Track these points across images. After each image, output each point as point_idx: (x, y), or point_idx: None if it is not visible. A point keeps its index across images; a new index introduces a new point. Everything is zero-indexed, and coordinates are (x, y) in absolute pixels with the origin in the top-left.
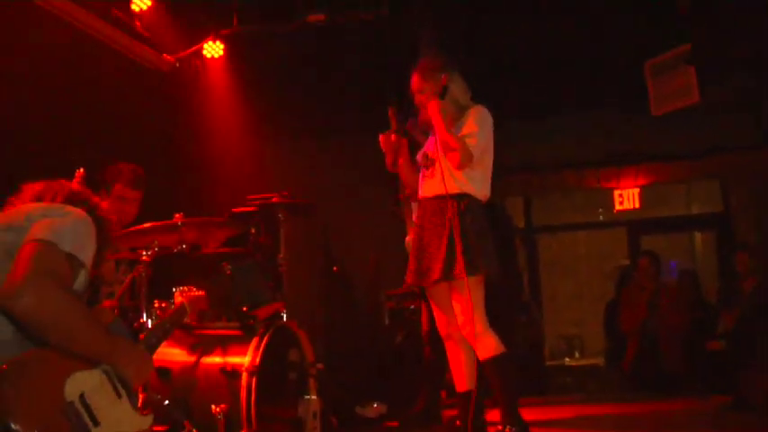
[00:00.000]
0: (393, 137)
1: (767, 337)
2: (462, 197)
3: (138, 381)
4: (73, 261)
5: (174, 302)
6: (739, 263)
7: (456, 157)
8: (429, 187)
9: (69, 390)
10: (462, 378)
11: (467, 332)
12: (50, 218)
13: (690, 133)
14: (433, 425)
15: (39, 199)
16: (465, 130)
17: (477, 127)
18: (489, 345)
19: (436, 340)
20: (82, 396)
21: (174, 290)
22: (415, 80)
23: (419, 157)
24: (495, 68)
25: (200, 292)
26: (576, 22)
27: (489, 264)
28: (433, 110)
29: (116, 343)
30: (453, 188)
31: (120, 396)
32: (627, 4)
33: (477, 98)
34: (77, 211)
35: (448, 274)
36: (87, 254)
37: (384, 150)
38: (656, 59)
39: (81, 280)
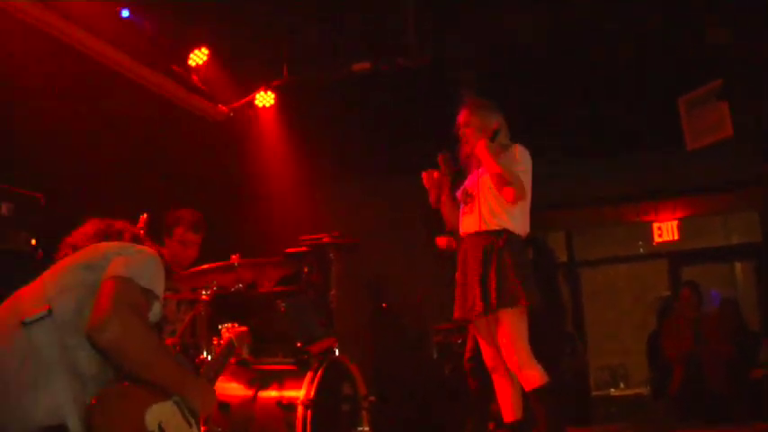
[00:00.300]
0: (435, 174)
1: None
2: (501, 233)
3: (205, 411)
4: (148, 295)
5: (222, 339)
6: None
7: (511, 192)
8: (469, 223)
9: (149, 419)
10: (509, 409)
11: (511, 364)
12: (125, 255)
13: (725, 166)
14: None
15: (104, 236)
16: (516, 168)
17: (523, 163)
18: (534, 376)
19: (479, 371)
20: (160, 425)
21: (219, 327)
22: (464, 114)
23: (459, 193)
24: (537, 111)
25: (244, 328)
26: (610, 64)
27: (530, 296)
28: (481, 148)
29: (186, 375)
30: (493, 224)
31: (190, 425)
32: (658, 44)
33: (521, 137)
34: (149, 249)
35: (489, 308)
36: (160, 288)
37: (427, 187)
38: (688, 95)
39: (155, 312)
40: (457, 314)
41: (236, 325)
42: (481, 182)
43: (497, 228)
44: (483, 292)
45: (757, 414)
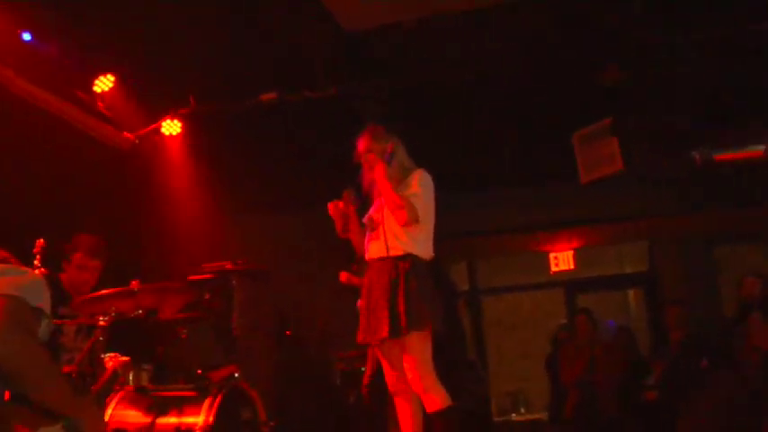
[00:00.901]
0: (341, 204)
1: (698, 384)
2: (406, 257)
3: None
4: (37, 313)
5: (106, 368)
6: (669, 316)
7: (403, 215)
8: (375, 249)
9: None
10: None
11: (416, 386)
12: (11, 276)
13: (616, 198)
14: None
15: None
16: (409, 191)
17: (421, 188)
18: (437, 399)
19: (378, 396)
20: None
21: (102, 356)
22: (363, 142)
23: (365, 219)
24: (438, 143)
25: (126, 358)
26: (511, 99)
27: (434, 319)
28: (379, 173)
29: (77, 398)
30: (397, 249)
31: None
32: (554, 82)
33: (423, 166)
34: (32, 270)
35: (395, 332)
36: (47, 306)
37: (333, 217)
38: (582, 131)
39: (44, 331)
40: (360, 338)
41: (119, 355)
42: (386, 208)
43: (402, 253)
44: (391, 316)
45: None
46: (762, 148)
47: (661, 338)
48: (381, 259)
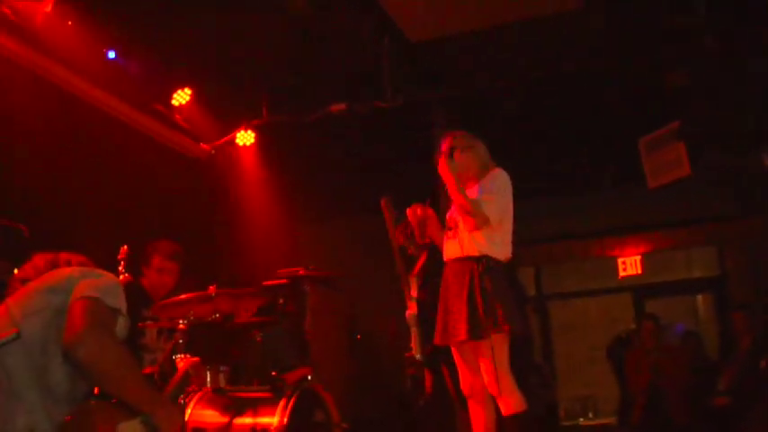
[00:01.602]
0: (419, 210)
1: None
2: (481, 259)
3: (171, 430)
4: (115, 313)
5: (177, 368)
6: (736, 322)
7: (471, 221)
8: (451, 249)
9: None
10: None
11: (492, 390)
12: (90, 278)
13: (684, 203)
14: None
15: (52, 266)
16: (483, 195)
17: (495, 190)
18: (513, 402)
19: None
20: None
21: (174, 357)
22: (446, 142)
23: (447, 218)
24: (506, 149)
25: (196, 358)
26: (576, 106)
27: (512, 321)
28: (443, 169)
29: (154, 394)
30: (473, 250)
31: None
32: (619, 88)
33: None
34: (108, 273)
35: (472, 334)
36: (124, 306)
37: (412, 223)
38: (648, 136)
39: (121, 329)
40: (437, 340)
41: (189, 356)
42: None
43: (477, 254)
44: (470, 318)
45: None
46: None
47: (730, 344)
48: (457, 260)
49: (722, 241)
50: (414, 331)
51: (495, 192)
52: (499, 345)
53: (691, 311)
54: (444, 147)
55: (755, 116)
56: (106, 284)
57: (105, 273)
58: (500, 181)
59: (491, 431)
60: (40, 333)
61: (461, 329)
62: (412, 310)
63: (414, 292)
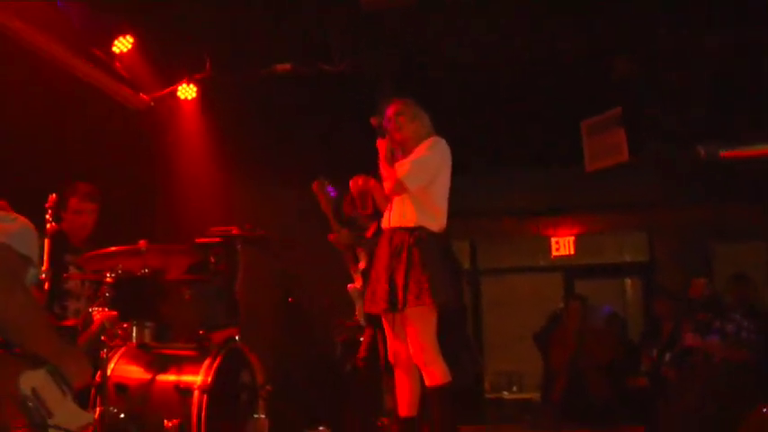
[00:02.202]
0: (360, 180)
1: (680, 374)
2: (414, 229)
3: (79, 382)
4: (25, 261)
5: (92, 320)
6: (658, 308)
7: (388, 186)
8: (386, 219)
9: (23, 385)
10: (406, 405)
11: (417, 359)
12: (1, 223)
13: (620, 188)
14: None
15: None
16: (412, 158)
17: (422, 156)
18: (437, 373)
19: (374, 366)
20: (34, 390)
21: (90, 310)
22: (395, 104)
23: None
24: (449, 122)
25: (113, 312)
26: (522, 85)
27: (438, 294)
28: (379, 145)
29: (62, 345)
30: (406, 221)
31: (64, 394)
32: (565, 69)
33: None
34: (22, 218)
35: (392, 306)
36: (36, 253)
37: (353, 194)
38: (590, 120)
39: (31, 278)
40: (366, 308)
41: (106, 309)
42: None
43: (410, 224)
44: (390, 289)
45: (637, 419)
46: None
47: (654, 328)
48: (389, 230)
49: (653, 228)
50: (358, 306)
51: (420, 158)
52: (423, 316)
53: (619, 294)
54: (390, 112)
55: (697, 108)
56: (18, 230)
57: (19, 217)
58: (431, 149)
59: (415, 400)
60: None
61: (387, 299)
62: (357, 284)
63: (361, 264)
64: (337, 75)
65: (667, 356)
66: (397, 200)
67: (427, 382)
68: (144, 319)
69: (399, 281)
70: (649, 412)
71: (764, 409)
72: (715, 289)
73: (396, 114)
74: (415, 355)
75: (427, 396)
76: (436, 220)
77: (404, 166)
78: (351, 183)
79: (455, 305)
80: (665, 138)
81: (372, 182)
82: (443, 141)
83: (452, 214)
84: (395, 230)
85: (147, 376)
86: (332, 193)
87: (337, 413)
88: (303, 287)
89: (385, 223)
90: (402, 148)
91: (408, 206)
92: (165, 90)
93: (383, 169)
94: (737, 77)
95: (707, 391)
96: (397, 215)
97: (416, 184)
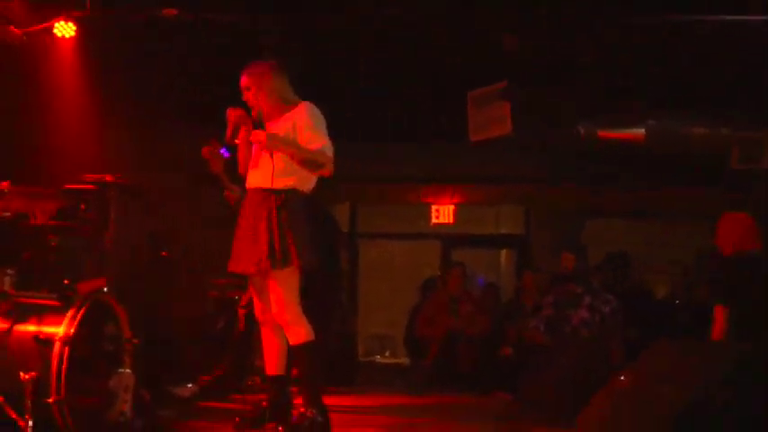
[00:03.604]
0: (240, 110)
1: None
2: (281, 192)
3: None
4: None
5: None
6: (525, 280)
7: (324, 172)
8: (254, 178)
9: None
10: (273, 363)
11: (280, 319)
12: None
13: (501, 162)
14: (231, 393)
15: None
16: (307, 134)
17: (321, 127)
18: (300, 332)
19: (249, 322)
20: None
21: None
22: (243, 78)
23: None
24: (336, 86)
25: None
26: (412, 57)
27: (303, 256)
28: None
29: None
30: (276, 182)
31: None
32: (454, 41)
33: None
34: None
35: (260, 267)
36: None
37: (229, 122)
38: (476, 91)
39: None
40: (230, 267)
41: None
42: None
43: (281, 186)
44: (257, 250)
45: (502, 386)
46: (642, 131)
47: (516, 299)
48: (257, 190)
49: (530, 202)
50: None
51: (322, 131)
52: (287, 278)
53: (494, 265)
54: (241, 86)
55: (580, 88)
56: None
57: None
58: (318, 117)
59: (282, 359)
60: None
61: (252, 261)
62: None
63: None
64: (222, 24)
65: (533, 324)
66: (264, 159)
67: (291, 341)
68: (4, 265)
69: (264, 243)
70: (516, 381)
71: (621, 377)
72: (585, 264)
73: (245, 89)
74: (278, 315)
75: (292, 354)
76: (306, 182)
77: (325, 144)
78: (228, 111)
79: (320, 268)
80: (546, 115)
81: (248, 121)
82: (312, 104)
83: (335, 177)
84: (261, 191)
85: (5, 326)
86: (225, 155)
87: (207, 371)
88: (177, 241)
89: (253, 182)
90: (264, 116)
91: (279, 167)
92: (41, 25)
93: (310, 157)
94: (621, 60)
95: (571, 363)
96: (266, 175)
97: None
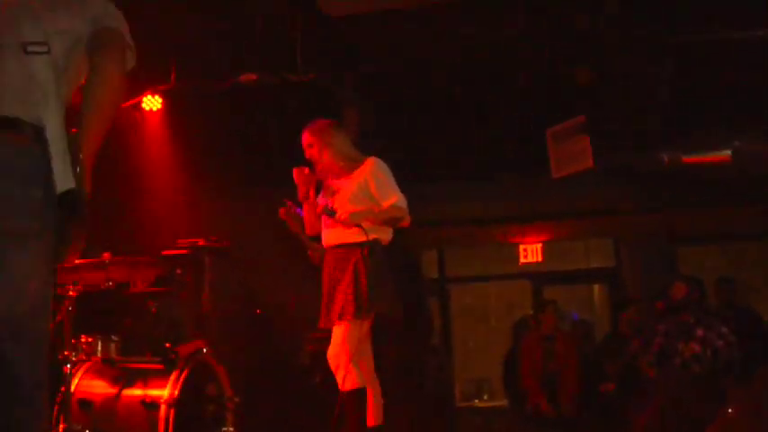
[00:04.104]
0: (306, 170)
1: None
2: (363, 245)
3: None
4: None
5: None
6: (622, 322)
7: (404, 223)
8: (327, 236)
9: None
10: (370, 414)
11: (333, 365)
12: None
13: (585, 195)
14: None
15: None
16: (380, 191)
17: (390, 182)
18: (349, 378)
19: None
20: None
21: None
22: (305, 136)
23: (318, 210)
24: (415, 132)
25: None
26: (487, 95)
27: (375, 305)
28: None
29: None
30: (353, 237)
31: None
32: (532, 78)
33: (403, 159)
34: None
35: (329, 321)
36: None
37: (297, 183)
38: (555, 128)
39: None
40: (319, 324)
41: None
42: (338, 197)
43: (357, 240)
44: (335, 305)
45: (610, 425)
46: (728, 153)
47: (615, 335)
48: (337, 246)
49: (619, 234)
50: None
51: (393, 184)
52: (348, 330)
53: (586, 301)
54: (303, 144)
55: (660, 115)
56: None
57: None
58: (387, 171)
59: (377, 410)
60: (64, 57)
61: (334, 315)
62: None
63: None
64: (301, 84)
65: (645, 358)
66: (339, 216)
67: (340, 387)
68: (109, 333)
69: (349, 293)
70: (620, 417)
71: (729, 410)
72: (700, 294)
73: (307, 146)
74: (331, 359)
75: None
76: (384, 232)
77: (399, 200)
78: (296, 171)
79: (408, 315)
80: (628, 146)
81: (314, 179)
82: (378, 159)
83: (420, 223)
84: (343, 246)
85: (113, 391)
86: (300, 213)
87: (306, 425)
88: (270, 298)
89: (332, 240)
90: (329, 175)
91: (353, 226)
92: (131, 101)
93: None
94: (697, 83)
95: (680, 396)
96: (344, 232)
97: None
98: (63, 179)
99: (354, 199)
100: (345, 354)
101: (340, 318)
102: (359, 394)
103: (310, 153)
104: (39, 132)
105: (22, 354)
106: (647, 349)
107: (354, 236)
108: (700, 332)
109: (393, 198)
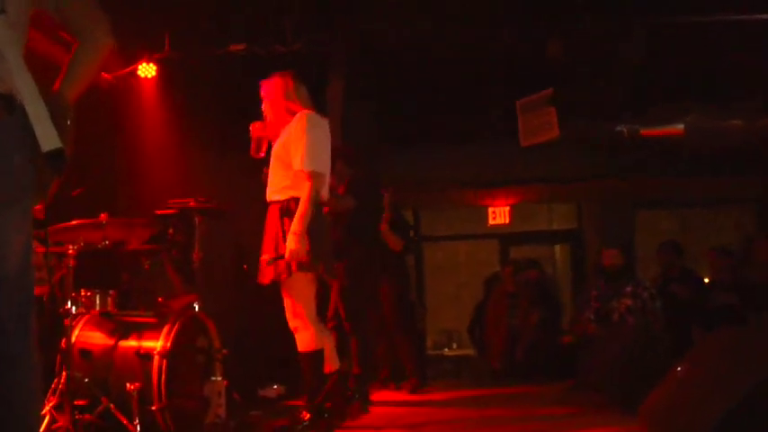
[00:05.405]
0: (260, 124)
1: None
2: (288, 202)
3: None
4: None
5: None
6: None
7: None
8: (267, 191)
9: None
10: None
11: (291, 326)
12: None
13: (551, 162)
14: None
15: None
16: (294, 147)
17: (309, 140)
18: (305, 340)
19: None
20: None
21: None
22: (262, 89)
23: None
24: (398, 99)
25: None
26: (463, 69)
27: (316, 261)
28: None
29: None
30: (280, 193)
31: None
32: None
33: (388, 125)
34: None
35: (273, 276)
36: None
37: (252, 135)
38: (524, 99)
39: None
40: (258, 278)
41: None
42: (273, 152)
43: (286, 197)
44: (270, 260)
45: (567, 373)
46: (682, 126)
47: (580, 288)
48: (271, 202)
49: (581, 199)
50: None
51: (315, 148)
52: (295, 285)
53: (549, 260)
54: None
55: (621, 90)
56: None
57: None
58: (312, 131)
59: (330, 355)
60: (23, 14)
61: (267, 272)
62: None
63: None
64: (289, 54)
65: (585, 316)
66: (272, 171)
67: (298, 348)
68: (106, 288)
69: (276, 251)
70: (577, 367)
71: (678, 368)
72: (629, 259)
73: (263, 99)
74: (289, 321)
75: (300, 361)
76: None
77: (297, 156)
78: (251, 126)
79: (331, 273)
80: (590, 117)
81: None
82: (313, 115)
83: (398, 185)
84: (274, 203)
85: (110, 342)
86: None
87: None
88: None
89: (268, 195)
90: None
91: (286, 181)
92: (127, 69)
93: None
94: (656, 60)
95: (623, 347)
96: (273, 189)
97: (315, 164)
98: (46, 140)
99: (280, 156)
100: (301, 313)
101: (276, 276)
102: (315, 357)
103: (264, 107)
104: (8, 100)
105: (10, 312)
106: (587, 308)
107: (280, 193)
108: (629, 288)
109: (301, 160)
